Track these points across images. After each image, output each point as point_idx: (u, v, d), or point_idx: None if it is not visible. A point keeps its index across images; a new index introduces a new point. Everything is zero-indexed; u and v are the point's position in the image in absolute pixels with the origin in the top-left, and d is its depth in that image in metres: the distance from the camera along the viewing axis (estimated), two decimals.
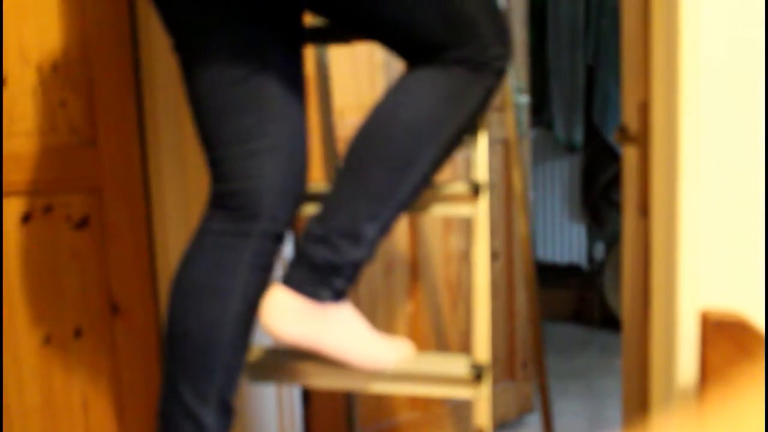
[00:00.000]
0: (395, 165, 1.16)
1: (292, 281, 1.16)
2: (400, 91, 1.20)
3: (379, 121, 1.19)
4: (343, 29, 1.30)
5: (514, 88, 2.32)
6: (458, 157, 2.04)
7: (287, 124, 1.22)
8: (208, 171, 1.24)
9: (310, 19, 1.46)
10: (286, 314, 1.15)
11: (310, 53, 1.71)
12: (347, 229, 1.15)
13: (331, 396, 2.01)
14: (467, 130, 1.22)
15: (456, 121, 1.17)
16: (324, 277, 1.15)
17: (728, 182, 1.07)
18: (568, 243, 3.61)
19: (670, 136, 1.10)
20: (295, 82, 1.24)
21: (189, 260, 1.21)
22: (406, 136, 1.17)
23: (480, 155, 1.28)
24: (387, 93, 1.20)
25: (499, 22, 1.19)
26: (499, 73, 1.19)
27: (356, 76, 2.05)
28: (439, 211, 1.29)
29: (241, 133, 1.19)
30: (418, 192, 1.20)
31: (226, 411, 1.21)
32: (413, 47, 1.20)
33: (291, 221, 1.25)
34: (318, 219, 1.18)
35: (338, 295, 1.17)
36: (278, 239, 1.22)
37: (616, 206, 3.29)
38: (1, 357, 1.68)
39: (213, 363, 1.18)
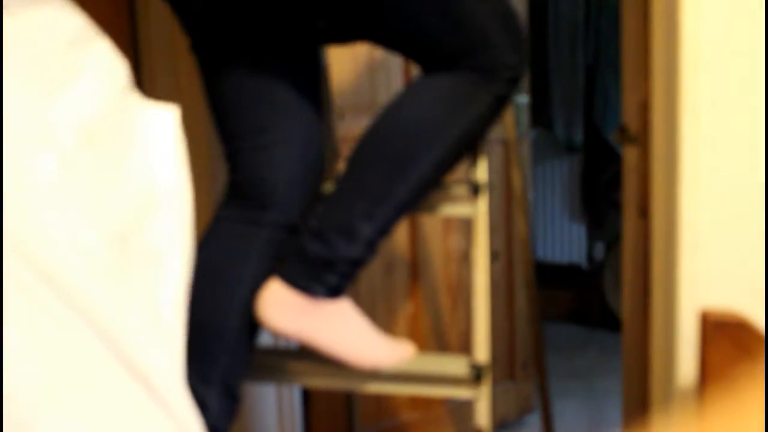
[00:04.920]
0: (393, 165, 1.17)
1: (286, 274, 1.17)
2: (406, 94, 1.21)
3: (382, 122, 1.20)
4: (353, 37, 1.30)
5: None
6: None
7: (300, 118, 1.25)
8: (226, 164, 1.27)
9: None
10: (279, 307, 1.16)
11: None
12: (342, 225, 1.15)
13: (331, 396, 2.01)
14: (476, 135, 1.22)
15: (459, 125, 1.17)
16: (316, 272, 1.15)
17: (728, 182, 1.07)
18: (568, 243, 3.61)
19: (670, 136, 1.10)
20: (308, 78, 1.27)
21: (202, 247, 1.23)
22: (404, 136, 1.17)
23: (478, 155, 1.28)
24: (395, 96, 1.21)
25: (513, 30, 1.18)
26: (511, 81, 1.18)
27: (356, 76, 2.05)
28: (438, 211, 1.29)
29: (255, 125, 1.23)
30: (419, 194, 1.20)
31: (231, 397, 1.22)
32: (424, 55, 1.20)
33: (304, 213, 1.26)
34: (316, 215, 1.19)
35: (332, 292, 1.17)
36: (290, 230, 1.23)
37: (616, 206, 3.29)
38: (1, 356, 1.67)
39: (217, 347, 1.19)
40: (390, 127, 1.19)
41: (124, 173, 0.64)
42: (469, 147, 1.22)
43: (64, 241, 0.53)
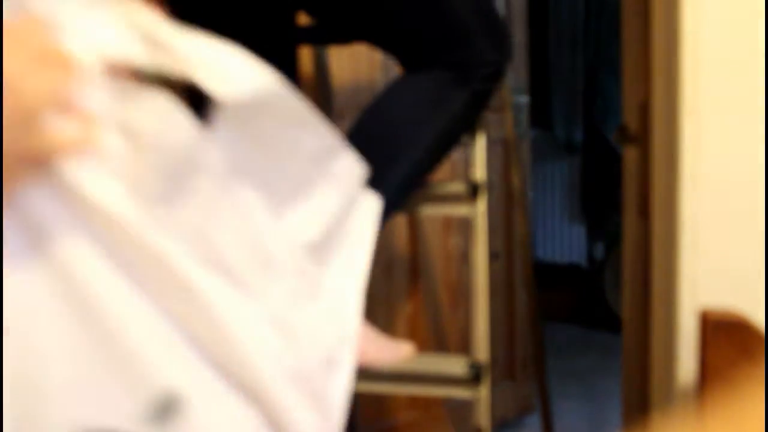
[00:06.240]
0: (373, 166, 1.18)
1: None
2: (384, 95, 1.21)
3: (360, 125, 1.21)
4: (333, 28, 1.30)
5: (514, 88, 2.32)
6: (457, 156, 2.05)
7: None
8: None
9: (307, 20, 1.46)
10: None
11: (310, 53, 1.71)
12: None
13: None
14: (455, 133, 1.22)
15: (437, 124, 1.17)
16: None
17: (728, 182, 1.07)
18: (568, 243, 3.61)
19: (670, 136, 1.10)
20: (283, 68, 1.28)
21: None
22: (382, 138, 1.17)
23: (478, 155, 1.28)
24: (374, 98, 1.22)
25: (495, 27, 1.18)
26: (489, 79, 1.18)
27: (356, 76, 2.05)
28: (437, 211, 1.29)
29: None
30: (402, 194, 1.20)
31: None
32: (404, 48, 1.20)
33: None
34: None
35: None
36: None
37: (616, 206, 3.30)
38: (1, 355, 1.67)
39: None
40: (368, 130, 1.19)
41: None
42: (450, 145, 1.23)
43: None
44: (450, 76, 1.16)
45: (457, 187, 1.28)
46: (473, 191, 1.26)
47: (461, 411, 2.31)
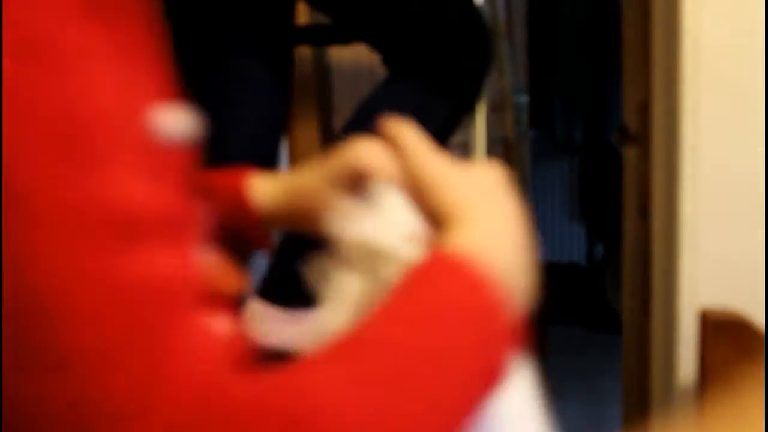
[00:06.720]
0: None
1: (263, 291, 1.17)
2: (369, 101, 1.21)
3: (347, 129, 1.21)
4: (329, 16, 1.31)
5: (514, 88, 2.32)
6: (457, 156, 2.05)
7: (257, 102, 1.25)
8: None
9: (306, 19, 1.46)
10: (262, 323, 1.17)
11: (309, 53, 1.71)
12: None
13: None
14: (441, 138, 1.22)
15: (423, 130, 1.18)
16: (291, 284, 1.16)
17: (728, 182, 1.07)
18: (568, 243, 3.61)
19: (670, 136, 1.10)
20: (278, 65, 1.27)
21: None
22: None
23: (478, 155, 1.28)
24: (359, 104, 1.22)
25: (479, 35, 1.18)
26: (472, 85, 1.19)
27: (356, 76, 2.04)
28: None
29: (217, 97, 1.23)
30: None
31: None
32: (390, 49, 1.20)
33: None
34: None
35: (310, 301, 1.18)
36: None
37: (616, 206, 3.29)
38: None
39: None
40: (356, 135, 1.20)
41: None
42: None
43: None
44: (435, 82, 1.16)
45: None
46: None
47: None
